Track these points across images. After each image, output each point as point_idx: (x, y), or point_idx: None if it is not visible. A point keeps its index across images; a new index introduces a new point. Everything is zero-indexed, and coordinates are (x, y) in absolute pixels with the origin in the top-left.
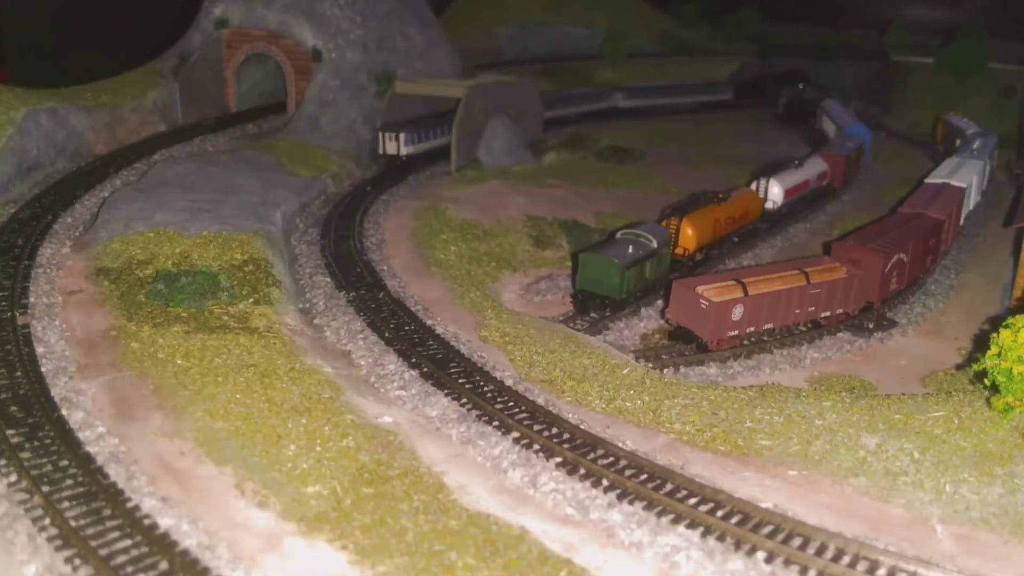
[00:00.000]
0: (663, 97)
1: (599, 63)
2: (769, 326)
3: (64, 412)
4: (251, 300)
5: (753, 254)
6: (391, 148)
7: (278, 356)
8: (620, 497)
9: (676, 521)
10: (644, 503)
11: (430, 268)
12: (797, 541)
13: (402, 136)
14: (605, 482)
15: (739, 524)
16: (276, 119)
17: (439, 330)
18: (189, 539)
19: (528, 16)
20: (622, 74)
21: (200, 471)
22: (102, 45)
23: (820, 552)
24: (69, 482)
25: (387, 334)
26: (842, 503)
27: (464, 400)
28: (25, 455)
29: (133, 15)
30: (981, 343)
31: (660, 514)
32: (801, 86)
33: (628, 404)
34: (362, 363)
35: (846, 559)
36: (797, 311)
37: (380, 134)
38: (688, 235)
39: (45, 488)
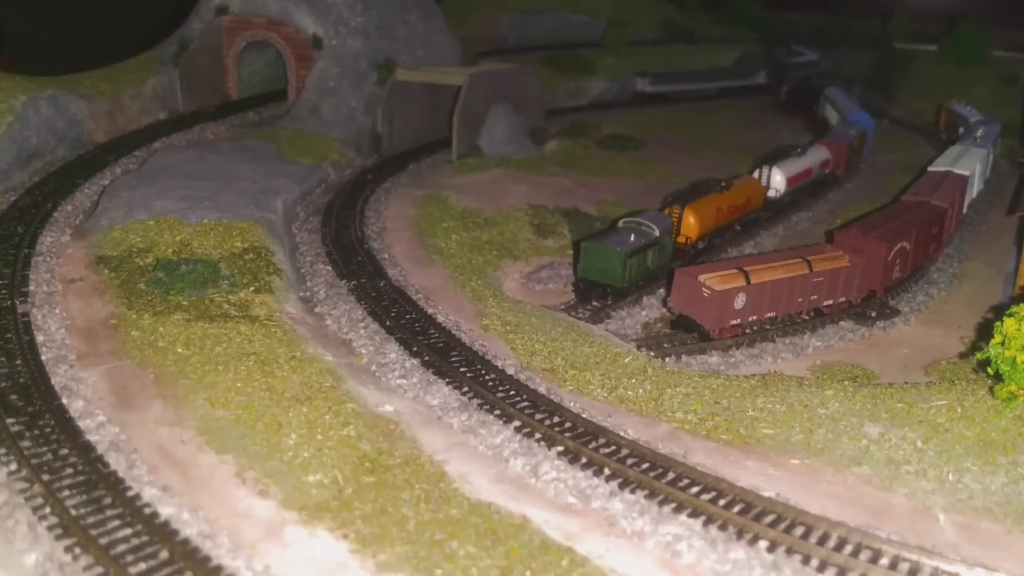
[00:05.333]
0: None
1: (601, 51)
2: (771, 314)
3: (64, 401)
4: (252, 288)
5: (755, 242)
6: None
7: (279, 345)
8: (622, 486)
9: (678, 510)
10: (646, 492)
11: (431, 256)
12: (799, 530)
13: None
14: (607, 471)
15: (741, 513)
16: (277, 107)
17: (440, 319)
18: (190, 528)
19: (530, 3)
20: (624, 62)
21: (201, 460)
22: (102, 32)
23: (822, 541)
24: (69, 471)
25: (388, 323)
26: (845, 492)
27: (465, 389)
28: (25, 444)
29: (133, 2)
30: (984, 332)
31: (662, 503)
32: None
33: (630, 393)
34: (363, 352)
35: (848, 548)
36: (799, 299)
37: None
38: (690, 223)
39: (45, 477)
